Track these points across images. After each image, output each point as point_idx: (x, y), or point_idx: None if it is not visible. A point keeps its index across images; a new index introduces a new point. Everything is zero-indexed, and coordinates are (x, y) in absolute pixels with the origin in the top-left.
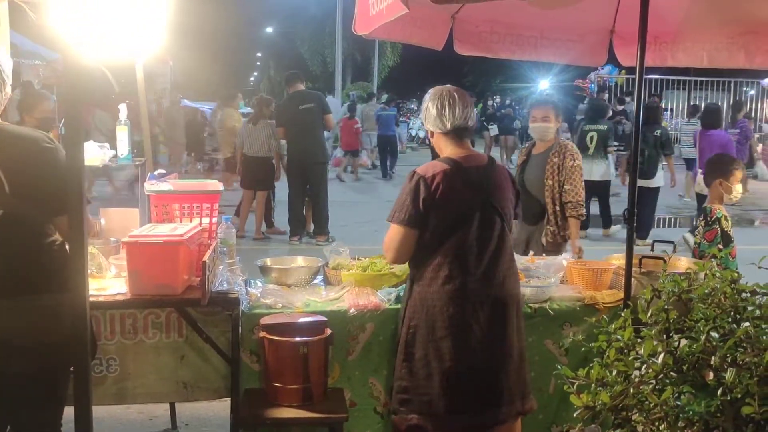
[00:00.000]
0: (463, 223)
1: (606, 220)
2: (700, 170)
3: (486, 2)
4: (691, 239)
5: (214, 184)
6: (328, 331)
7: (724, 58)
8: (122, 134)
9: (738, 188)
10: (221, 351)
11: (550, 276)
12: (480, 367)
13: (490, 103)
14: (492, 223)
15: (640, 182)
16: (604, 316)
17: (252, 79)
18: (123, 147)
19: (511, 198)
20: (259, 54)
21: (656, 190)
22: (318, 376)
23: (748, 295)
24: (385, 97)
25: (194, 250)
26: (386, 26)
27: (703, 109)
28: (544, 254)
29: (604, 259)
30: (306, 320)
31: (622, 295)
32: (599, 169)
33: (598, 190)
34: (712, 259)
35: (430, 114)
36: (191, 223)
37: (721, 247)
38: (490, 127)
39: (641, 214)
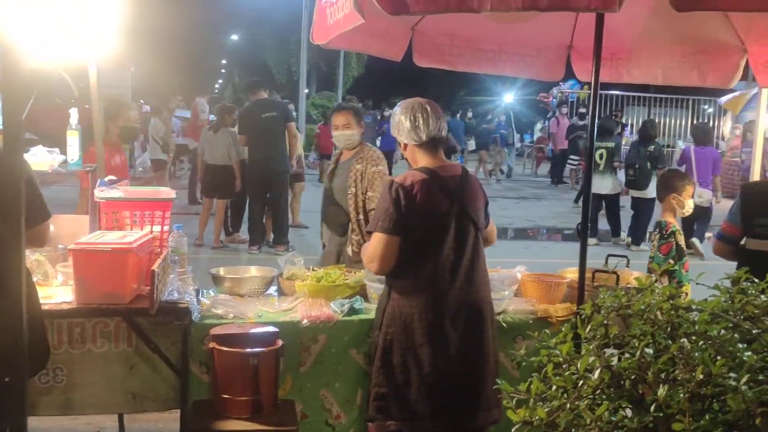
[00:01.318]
0: (440, 231)
1: (615, 229)
2: (697, 183)
3: (445, 15)
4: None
5: (167, 192)
6: (280, 343)
7: (677, 76)
8: (73, 139)
9: (690, 203)
10: (170, 362)
11: (504, 289)
12: (457, 373)
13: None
14: (467, 232)
15: (636, 193)
16: (546, 331)
17: (217, 86)
18: (73, 152)
19: (482, 207)
20: (224, 61)
21: (651, 200)
22: (268, 388)
23: (684, 311)
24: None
25: (144, 259)
26: (344, 36)
27: (696, 128)
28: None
29: (558, 272)
30: (257, 331)
31: (575, 308)
32: (608, 184)
33: (608, 202)
34: (668, 273)
35: (404, 126)
36: (142, 231)
37: (672, 261)
38: (467, 141)
39: (638, 222)
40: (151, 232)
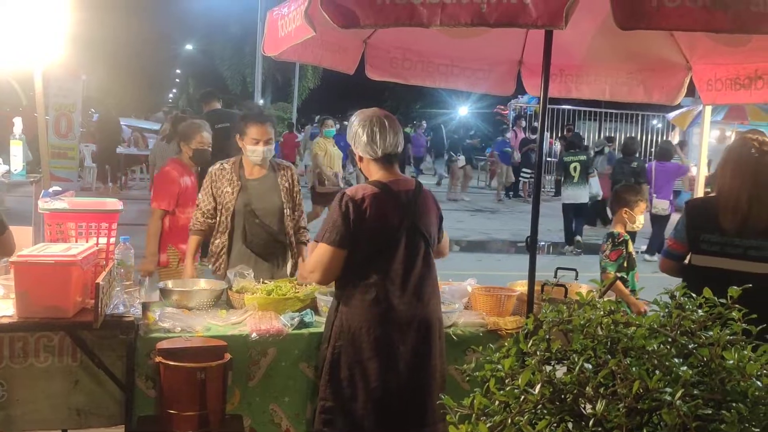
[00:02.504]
0: (390, 245)
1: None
2: (655, 194)
3: (397, 29)
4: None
5: (113, 203)
6: (228, 356)
7: (624, 92)
8: (16, 149)
9: (641, 219)
10: (114, 377)
11: (454, 302)
12: (405, 387)
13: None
14: (417, 247)
15: None
16: (490, 345)
17: (171, 96)
18: (17, 162)
19: (435, 221)
20: (178, 71)
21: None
22: (215, 403)
23: (623, 326)
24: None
25: (89, 272)
26: (296, 48)
27: (659, 146)
28: None
29: (509, 285)
30: (204, 345)
31: (524, 321)
32: (584, 193)
33: (583, 209)
34: (619, 282)
35: (361, 140)
36: (87, 243)
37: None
38: (458, 157)
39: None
40: (97, 244)
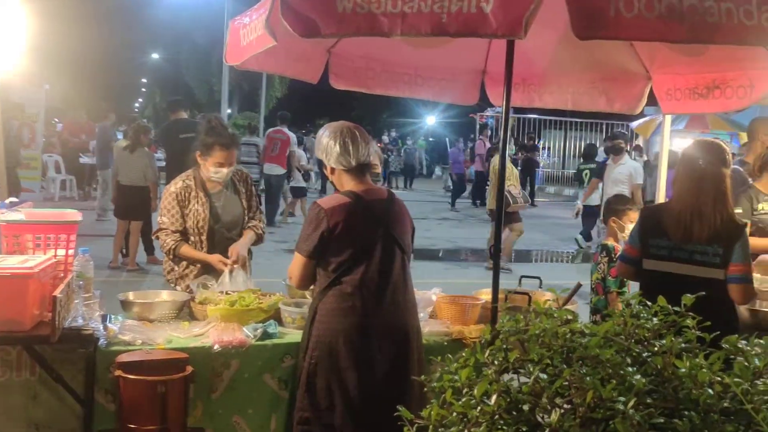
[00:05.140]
0: (365, 255)
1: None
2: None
3: (361, 38)
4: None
5: (72, 214)
6: (190, 369)
7: (586, 101)
8: None
9: (630, 227)
10: (73, 391)
11: (419, 311)
12: (382, 397)
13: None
14: (393, 255)
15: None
16: (449, 355)
17: (137, 105)
18: None
19: (409, 231)
20: (144, 80)
21: (593, 206)
22: (177, 416)
23: (579, 335)
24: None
25: (47, 284)
26: (259, 58)
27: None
28: None
29: (474, 293)
30: (165, 357)
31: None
32: (595, 197)
33: (594, 211)
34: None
35: (333, 151)
36: (45, 255)
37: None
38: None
39: (585, 226)
40: (55, 256)
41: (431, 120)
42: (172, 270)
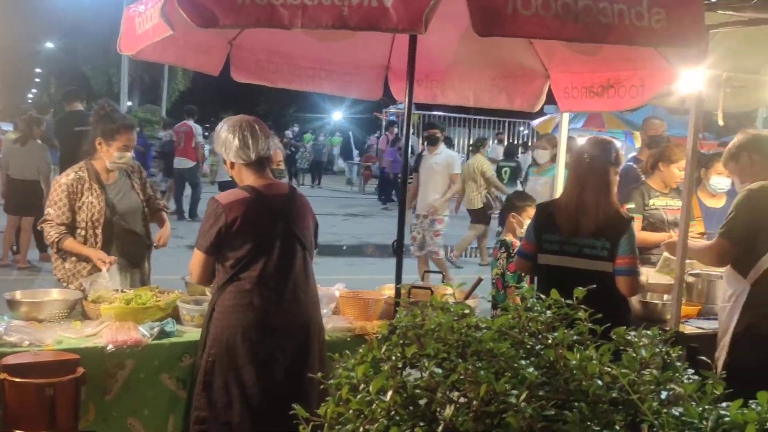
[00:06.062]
0: (263, 251)
1: None
2: None
3: (263, 30)
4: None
5: None
6: (81, 370)
7: (487, 98)
8: None
9: (527, 223)
10: None
11: (322, 307)
12: (283, 395)
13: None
14: (293, 251)
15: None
16: (346, 351)
17: (31, 95)
18: None
19: (311, 226)
20: (38, 70)
21: None
22: (67, 420)
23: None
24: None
25: None
26: (156, 48)
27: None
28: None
29: (377, 289)
30: (54, 359)
31: None
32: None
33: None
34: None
35: (233, 145)
36: None
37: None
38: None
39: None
40: None
41: (338, 115)
42: (62, 268)
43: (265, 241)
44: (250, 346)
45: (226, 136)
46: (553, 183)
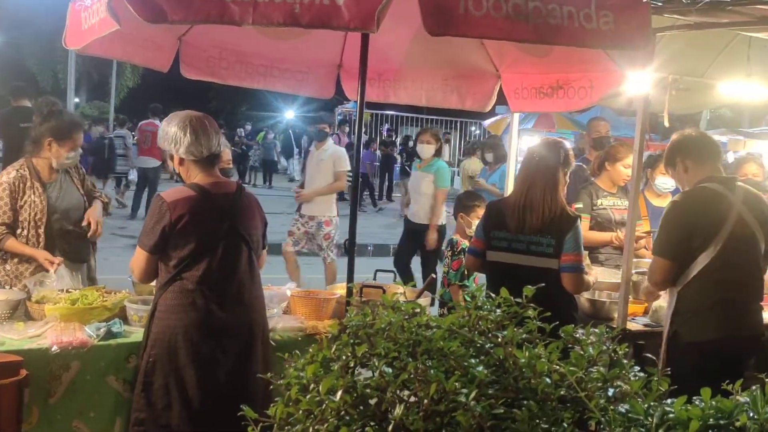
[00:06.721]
0: (208, 250)
1: None
2: None
3: (214, 26)
4: None
5: None
6: (24, 373)
7: (439, 98)
8: None
9: (476, 223)
10: None
11: (273, 306)
12: (223, 396)
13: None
14: (239, 251)
15: None
16: (297, 351)
17: None
18: None
19: (259, 226)
20: None
21: None
22: (9, 424)
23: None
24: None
25: None
26: (103, 43)
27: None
28: None
29: (329, 288)
30: None
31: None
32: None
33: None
34: (461, 287)
35: (183, 141)
36: None
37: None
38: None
39: None
40: None
41: (290, 114)
42: (2, 270)
43: (210, 240)
44: (192, 347)
45: (176, 132)
46: (435, 180)
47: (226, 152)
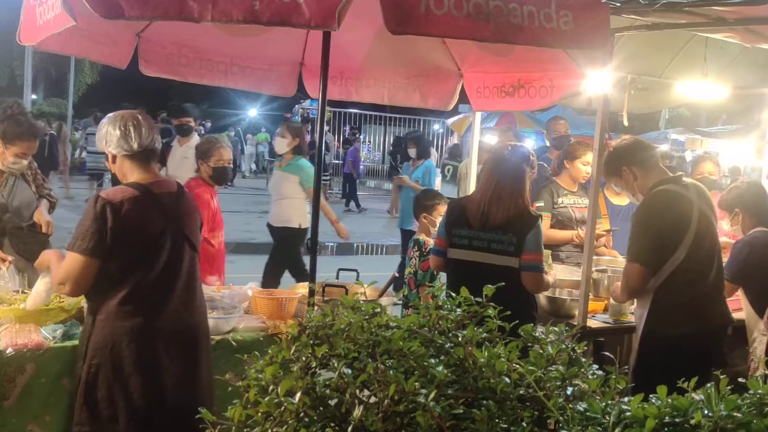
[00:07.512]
0: (151, 252)
1: None
2: None
3: (173, 23)
4: None
5: None
6: None
7: (402, 96)
8: None
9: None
10: None
11: (234, 306)
12: (173, 404)
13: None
14: (182, 252)
15: None
16: (256, 352)
17: None
18: None
19: (198, 227)
20: None
21: None
22: None
23: (384, 329)
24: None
25: None
26: (59, 39)
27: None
28: None
29: (291, 287)
30: None
31: None
32: (453, 190)
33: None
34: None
35: (113, 136)
36: None
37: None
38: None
39: None
40: None
41: (253, 112)
42: None
43: (153, 242)
44: (136, 354)
45: (107, 129)
46: (301, 181)
47: (228, 151)
